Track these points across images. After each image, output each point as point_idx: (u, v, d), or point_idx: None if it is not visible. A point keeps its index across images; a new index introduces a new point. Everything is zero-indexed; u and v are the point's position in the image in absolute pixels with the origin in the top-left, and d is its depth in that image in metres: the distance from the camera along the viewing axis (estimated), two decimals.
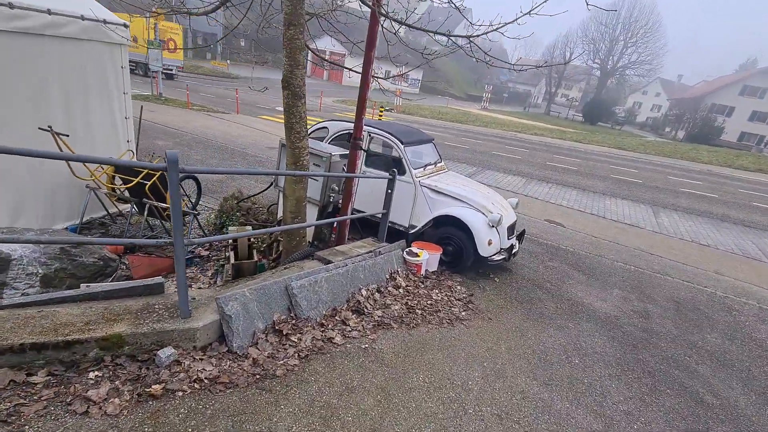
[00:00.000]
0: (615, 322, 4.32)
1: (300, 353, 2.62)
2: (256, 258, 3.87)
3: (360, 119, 4.26)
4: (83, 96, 4.60)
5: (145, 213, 4.67)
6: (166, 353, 2.17)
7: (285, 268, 3.54)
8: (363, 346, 2.94)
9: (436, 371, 2.87)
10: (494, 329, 3.73)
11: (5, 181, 4.02)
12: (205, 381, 2.13)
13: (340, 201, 4.63)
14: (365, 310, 3.43)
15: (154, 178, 4.60)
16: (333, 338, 2.90)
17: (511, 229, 5.13)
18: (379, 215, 4.73)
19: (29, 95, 4.01)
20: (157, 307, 2.43)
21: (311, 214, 4.63)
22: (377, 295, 3.76)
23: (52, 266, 3.37)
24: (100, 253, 3.91)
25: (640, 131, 49.30)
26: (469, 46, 4.01)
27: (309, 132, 6.07)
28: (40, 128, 3.87)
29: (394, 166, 5.15)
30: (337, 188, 4.70)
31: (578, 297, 4.79)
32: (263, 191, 5.34)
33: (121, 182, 4.88)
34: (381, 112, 20.29)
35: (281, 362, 2.47)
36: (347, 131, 5.45)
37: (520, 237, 5.44)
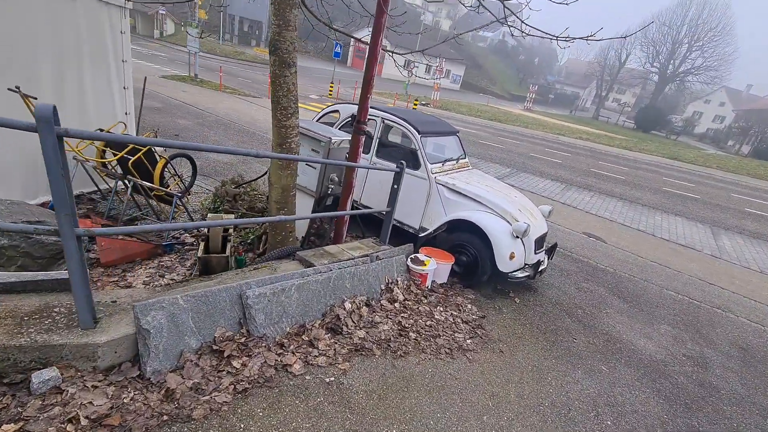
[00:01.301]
0: (662, 369, 3.45)
1: (237, 385, 2.02)
2: (228, 252, 3.32)
3: (365, 99, 3.60)
4: (76, 61, 4.22)
5: (129, 191, 4.28)
6: (42, 377, 1.63)
7: (254, 269, 2.97)
8: (327, 380, 2.30)
9: (418, 424, 2.19)
10: (505, 366, 2.99)
11: None
12: (84, 421, 1.57)
13: None
14: (344, 328, 2.80)
15: (139, 154, 4.21)
16: (290, 365, 2.29)
17: (540, 241, 4.32)
18: (384, 213, 4.08)
19: (9, 56, 3.65)
20: (56, 310, 1.90)
21: (305, 205, 4.05)
22: (364, 310, 3.12)
23: None
24: None
25: (698, 143, 45.32)
26: (504, 18, 3.27)
27: (320, 115, 5.51)
28: (8, 89, 3.51)
29: (409, 158, 4.48)
30: (337, 179, 4.08)
31: (616, 331, 3.94)
32: (260, 177, 4.81)
33: (112, 156, 4.52)
34: (416, 104, 19.54)
35: (206, 398, 1.88)
36: None
37: (551, 251, 4.61)
